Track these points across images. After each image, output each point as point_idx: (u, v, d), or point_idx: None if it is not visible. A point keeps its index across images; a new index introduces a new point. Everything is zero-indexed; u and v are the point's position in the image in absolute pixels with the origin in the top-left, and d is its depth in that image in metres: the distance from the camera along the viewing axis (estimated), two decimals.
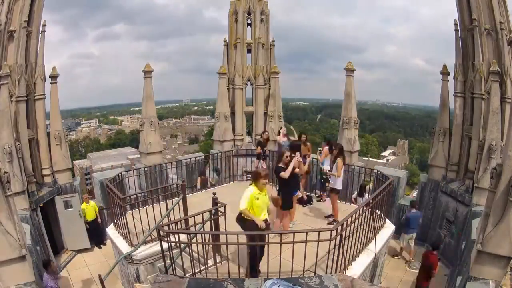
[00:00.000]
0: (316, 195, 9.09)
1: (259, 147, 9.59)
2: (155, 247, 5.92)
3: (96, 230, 9.38)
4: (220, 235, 5.35)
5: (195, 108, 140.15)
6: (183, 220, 5.65)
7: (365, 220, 5.60)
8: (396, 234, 8.49)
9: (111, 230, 7.15)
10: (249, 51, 12.69)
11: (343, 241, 4.78)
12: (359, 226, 5.50)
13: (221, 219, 5.53)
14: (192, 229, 5.40)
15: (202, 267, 5.18)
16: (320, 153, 8.37)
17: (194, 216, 5.27)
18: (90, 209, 9.21)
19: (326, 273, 4.70)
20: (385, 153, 77.95)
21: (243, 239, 4.38)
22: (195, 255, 5.35)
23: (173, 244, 4.88)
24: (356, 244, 5.51)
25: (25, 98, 8.29)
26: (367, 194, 8.73)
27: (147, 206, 6.59)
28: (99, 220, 9.39)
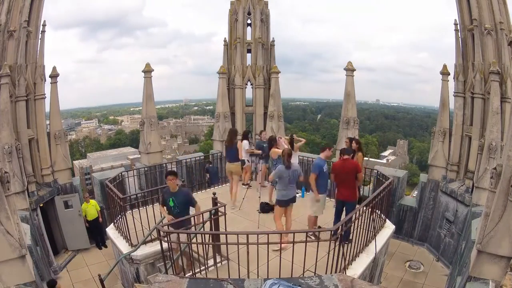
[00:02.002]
0: None
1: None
2: (155, 247, 5.93)
3: (97, 230, 9.37)
4: (220, 235, 5.36)
5: (195, 108, 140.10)
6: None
7: (365, 220, 5.60)
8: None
9: (111, 230, 7.16)
10: (249, 51, 12.69)
11: (343, 241, 4.78)
12: (359, 226, 5.50)
13: (221, 219, 5.53)
14: (192, 229, 5.40)
15: (202, 267, 5.18)
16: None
17: (194, 216, 5.28)
18: (91, 208, 9.20)
19: (326, 273, 4.70)
20: (385, 153, 77.92)
21: (243, 238, 4.38)
22: (195, 255, 5.35)
23: (173, 244, 4.89)
24: (356, 244, 5.51)
25: (25, 98, 8.29)
26: None
27: (147, 206, 6.60)
28: (101, 219, 9.36)
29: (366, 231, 5.82)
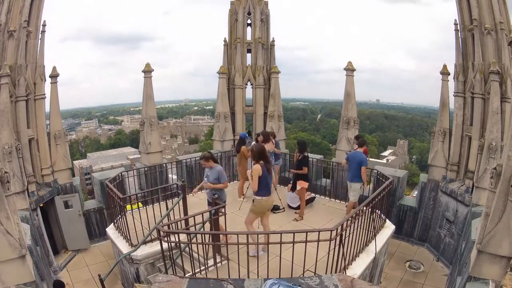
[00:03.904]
0: None
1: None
2: (155, 247, 5.93)
3: None
4: (220, 235, 5.36)
5: (195, 108, 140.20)
6: (183, 220, 5.66)
7: (365, 220, 5.60)
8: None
9: (111, 230, 7.16)
10: (249, 51, 12.69)
11: (343, 241, 4.78)
12: (359, 226, 5.50)
13: (221, 219, 5.54)
14: (192, 229, 5.40)
15: (202, 267, 5.18)
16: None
17: (194, 216, 5.28)
18: None
19: (326, 273, 4.70)
20: (385, 153, 77.92)
21: (243, 239, 4.38)
22: (195, 255, 5.35)
23: (173, 244, 4.89)
24: (356, 244, 5.51)
25: (25, 98, 8.28)
26: None
27: (147, 206, 6.60)
28: None
29: (366, 231, 5.82)
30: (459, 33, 8.80)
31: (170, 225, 5.30)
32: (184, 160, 10.86)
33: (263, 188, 5.66)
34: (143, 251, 6.00)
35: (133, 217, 6.34)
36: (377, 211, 6.31)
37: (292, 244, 4.36)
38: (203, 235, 5.45)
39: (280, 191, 8.84)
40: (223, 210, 5.53)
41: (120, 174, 8.20)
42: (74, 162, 56.83)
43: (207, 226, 5.66)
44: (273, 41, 12.81)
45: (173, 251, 5.42)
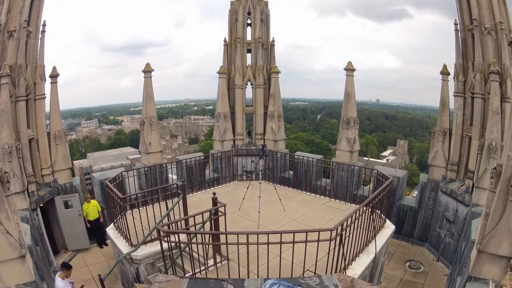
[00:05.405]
0: None
1: None
2: (155, 247, 5.93)
3: (98, 230, 9.36)
4: (220, 235, 5.36)
5: (195, 108, 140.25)
6: (183, 220, 5.66)
7: (365, 220, 5.60)
8: None
9: (111, 230, 7.16)
10: (249, 51, 12.70)
11: (343, 241, 4.78)
12: (359, 226, 5.51)
13: (221, 219, 5.54)
14: (192, 229, 5.40)
15: (202, 267, 5.18)
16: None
17: (194, 216, 5.28)
18: (92, 208, 9.18)
19: (326, 273, 4.70)
20: (385, 153, 77.92)
21: (243, 239, 4.38)
22: (195, 255, 5.35)
23: (173, 244, 4.89)
24: (356, 244, 5.52)
25: (25, 98, 8.29)
26: None
27: (147, 206, 6.60)
28: (101, 219, 9.36)
29: (366, 231, 5.83)
30: (459, 33, 8.81)
31: (170, 225, 5.30)
32: (184, 160, 10.86)
33: None
34: (143, 251, 6.00)
35: (133, 217, 6.34)
36: (377, 211, 6.31)
37: (292, 244, 4.36)
38: (203, 235, 5.45)
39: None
40: (223, 210, 5.53)
41: (120, 174, 8.20)
42: (74, 162, 56.81)
43: (207, 226, 5.66)
44: (273, 41, 12.81)
45: (173, 251, 5.41)
